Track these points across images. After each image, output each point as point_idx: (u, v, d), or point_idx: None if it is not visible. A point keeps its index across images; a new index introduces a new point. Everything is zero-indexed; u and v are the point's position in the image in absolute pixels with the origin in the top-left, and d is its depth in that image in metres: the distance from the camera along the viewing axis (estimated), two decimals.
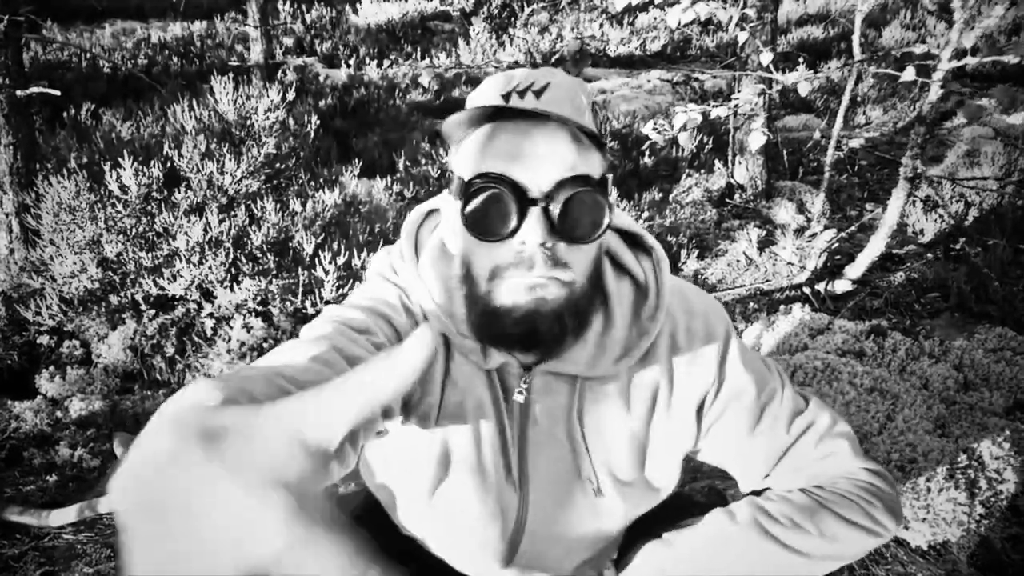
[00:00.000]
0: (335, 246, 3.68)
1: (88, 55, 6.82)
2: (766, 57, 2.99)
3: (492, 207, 0.88)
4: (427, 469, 1.06)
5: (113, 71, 6.73)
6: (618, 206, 4.47)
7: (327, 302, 3.54)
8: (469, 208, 0.89)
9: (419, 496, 1.09)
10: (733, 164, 5.22)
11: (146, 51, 7.69)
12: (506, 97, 0.94)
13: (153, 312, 3.38)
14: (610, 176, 0.97)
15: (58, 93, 3.34)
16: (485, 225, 0.89)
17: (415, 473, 1.07)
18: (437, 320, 1.01)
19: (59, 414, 2.95)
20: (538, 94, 0.93)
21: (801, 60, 5.68)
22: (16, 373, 3.17)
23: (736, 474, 1.16)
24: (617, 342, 1.02)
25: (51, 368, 3.11)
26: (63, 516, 2.27)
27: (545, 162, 0.88)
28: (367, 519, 1.28)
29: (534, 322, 0.91)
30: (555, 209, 0.88)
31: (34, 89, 3.38)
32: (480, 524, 1.09)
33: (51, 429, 2.85)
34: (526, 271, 0.89)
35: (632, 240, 1.12)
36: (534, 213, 0.88)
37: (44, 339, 3.26)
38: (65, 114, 5.14)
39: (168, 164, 3.71)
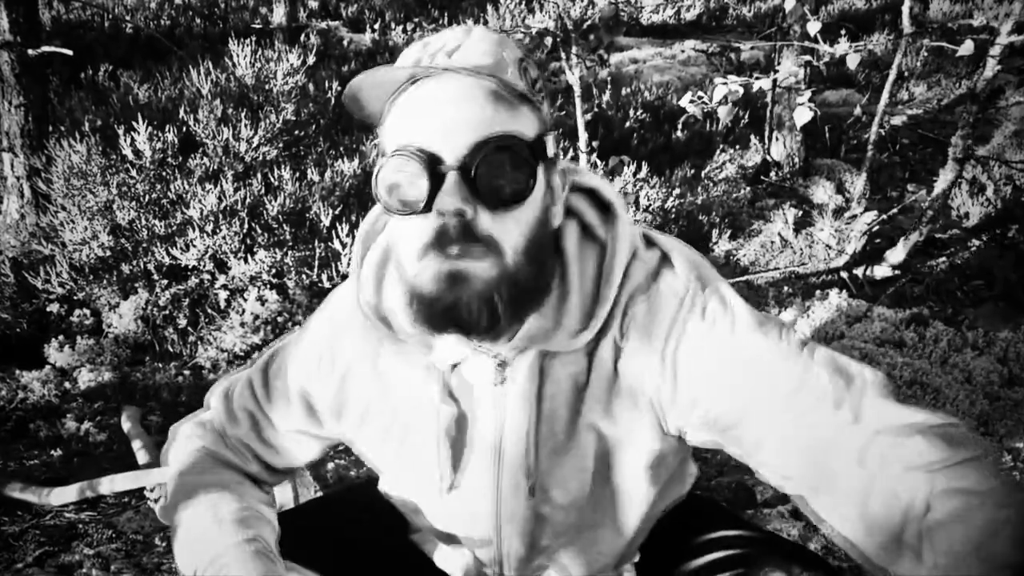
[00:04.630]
0: (353, 218, 3.57)
1: (110, 15, 6.73)
2: (814, 27, 2.80)
3: (402, 178, 0.82)
4: (389, 476, 1.09)
5: (135, 32, 6.63)
6: (647, 182, 4.32)
7: (343, 275, 3.44)
8: (379, 182, 0.84)
9: (393, 488, 1.12)
10: (770, 140, 5.03)
11: (169, 12, 7.57)
12: (419, 63, 0.86)
13: (166, 282, 3.30)
14: (549, 137, 0.87)
15: (70, 53, 3.24)
16: (399, 200, 0.83)
17: (384, 477, 1.11)
18: (369, 325, 0.98)
19: (67, 385, 2.89)
20: (450, 54, 0.85)
21: (843, 32, 5.43)
22: (25, 341, 3.10)
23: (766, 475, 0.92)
24: (574, 311, 0.91)
25: (60, 337, 3.04)
26: (64, 495, 2.19)
27: (460, 125, 0.81)
28: (377, 517, 1.21)
29: (456, 310, 0.82)
30: (472, 173, 0.80)
31: (46, 48, 3.28)
32: (449, 522, 1.06)
33: (58, 401, 2.79)
34: (446, 245, 0.81)
35: (597, 197, 0.99)
36: (450, 179, 0.80)
37: (54, 307, 3.19)
38: (82, 75, 5.05)
39: (184, 129, 3.60)
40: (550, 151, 0.87)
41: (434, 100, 0.83)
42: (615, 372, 0.94)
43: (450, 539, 1.08)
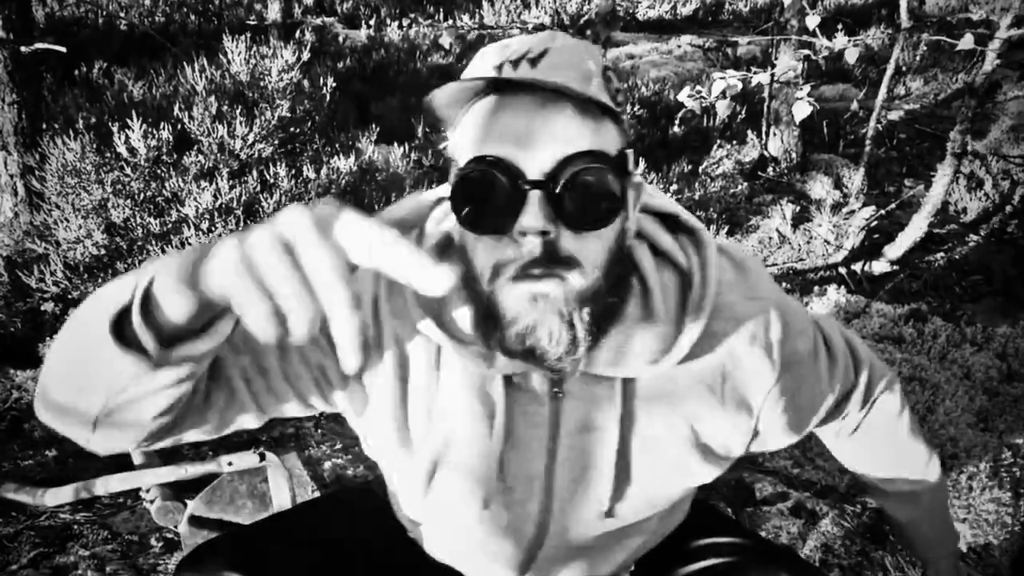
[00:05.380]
0: None
1: (104, 12, 6.69)
2: (812, 20, 2.79)
3: (484, 195, 0.77)
4: (421, 464, 0.98)
5: (129, 29, 6.61)
6: (644, 178, 4.31)
7: None
8: (459, 198, 0.78)
9: (414, 490, 1.02)
10: (767, 135, 5.02)
11: (163, 8, 7.54)
12: (499, 69, 0.81)
13: None
14: (630, 152, 0.84)
15: (63, 49, 3.21)
16: (477, 216, 0.78)
17: (409, 466, 1.00)
18: (426, 327, 0.90)
19: None
20: (534, 62, 0.81)
21: (840, 27, 5.41)
22: (19, 341, 3.08)
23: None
24: (657, 338, 0.89)
25: (55, 336, 3.02)
26: (59, 496, 2.18)
27: (545, 139, 0.77)
28: (372, 520, 1.20)
29: (536, 333, 0.79)
30: (559, 192, 0.76)
31: (38, 45, 3.25)
32: (483, 532, 1.01)
33: None
34: (528, 267, 0.77)
35: (671, 222, 0.97)
36: (534, 198, 0.76)
37: (48, 306, 3.16)
38: (76, 72, 5.02)
39: (178, 126, 3.58)
40: (631, 166, 0.84)
41: (518, 111, 0.78)
42: (715, 398, 0.95)
43: (469, 545, 1.06)
